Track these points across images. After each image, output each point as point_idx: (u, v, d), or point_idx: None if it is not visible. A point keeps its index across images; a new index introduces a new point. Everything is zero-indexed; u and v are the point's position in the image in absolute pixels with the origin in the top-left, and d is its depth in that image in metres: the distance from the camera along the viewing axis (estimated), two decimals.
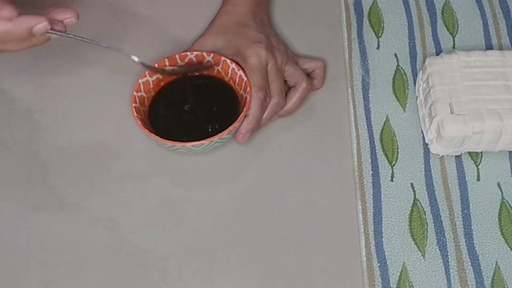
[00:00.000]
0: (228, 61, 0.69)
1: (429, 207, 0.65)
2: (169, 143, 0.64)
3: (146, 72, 0.69)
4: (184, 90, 0.70)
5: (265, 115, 0.68)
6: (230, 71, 0.69)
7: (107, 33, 0.79)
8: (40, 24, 0.60)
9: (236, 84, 0.70)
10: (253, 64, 0.68)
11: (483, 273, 0.61)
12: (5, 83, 0.75)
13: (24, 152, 0.70)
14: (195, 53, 0.70)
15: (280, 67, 0.70)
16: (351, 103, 0.72)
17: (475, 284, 0.61)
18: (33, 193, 0.67)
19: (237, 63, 0.69)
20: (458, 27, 0.78)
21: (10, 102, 0.74)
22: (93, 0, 0.81)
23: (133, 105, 0.67)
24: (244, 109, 0.66)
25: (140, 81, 0.68)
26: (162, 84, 0.71)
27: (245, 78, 0.68)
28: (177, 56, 0.71)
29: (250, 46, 0.69)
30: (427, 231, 0.64)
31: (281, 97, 0.69)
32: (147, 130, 0.65)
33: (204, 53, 0.70)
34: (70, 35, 0.63)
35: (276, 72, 0.69)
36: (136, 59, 0.66)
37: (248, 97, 0.67)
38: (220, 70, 0.70)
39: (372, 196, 0.66)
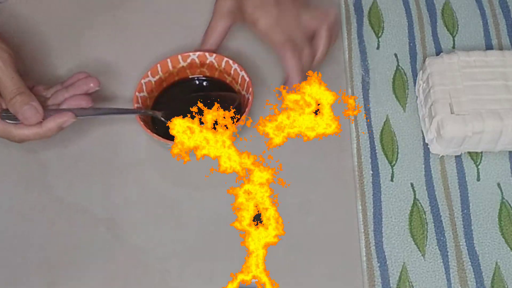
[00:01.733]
0: (231, 61, 0.69)
1: (429, 207, 0.65)
2: (171, 143, 0.64)
3: (149, 73, 0.69)
4: (186, 91, 0.71)
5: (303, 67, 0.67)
6: (232, 72, 0.69)
7: (107, 34, 0.79)
8: (68, 121, 0.65)
9: (238, 84, 0.69)
10: (265, 25, 0.68)
11: (483, 273, 0.61)
12: None
13: (24, 152, 0.70)
14: (198, 53, 0.70)
15: (296, 18, 0.68)
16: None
17: (475, 284, 0.61)
18: (33, 193, 0.67)
19: (239, 64, 0.69)
20: (458, 27, 0.78)
21: None
22: (94, 1, 0.81)
23: (135, 105, 0.67)
24: (247, 110, 0.66)
25: (142, 81, 0.68)
26: (164, 85, 0.71)
27: (247, 79, 0.68)
28: (179, 57, 0.71)
29: (257, 10, 0.68)
30: (427, 231, 0.64)
31: (308, 46, 0.68)
32: (149, 131, 0.65)
33: (207, 54, 0.70)
34: (93, 115, 0.67)
35: (294, 24, 0.68)
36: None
37: (250, 97, 0.66)
38: (222, 70, 0.70)
39: (372, 196, 0.66)
